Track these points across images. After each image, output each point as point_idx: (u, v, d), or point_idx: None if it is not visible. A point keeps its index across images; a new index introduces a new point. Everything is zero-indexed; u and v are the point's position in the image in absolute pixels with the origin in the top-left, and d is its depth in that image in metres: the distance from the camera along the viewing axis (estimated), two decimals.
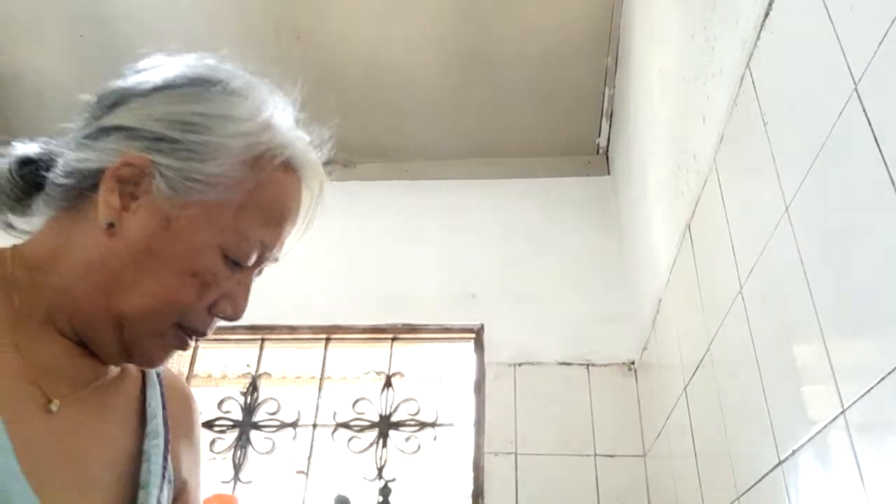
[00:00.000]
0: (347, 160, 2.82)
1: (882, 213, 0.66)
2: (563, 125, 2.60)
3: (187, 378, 2.37)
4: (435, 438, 2.19)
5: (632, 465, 2.02)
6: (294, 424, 2.24)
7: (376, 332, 2.36)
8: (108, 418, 0.58)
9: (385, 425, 2.21)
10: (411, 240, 2.54)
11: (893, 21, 0.63)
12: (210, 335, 0.60)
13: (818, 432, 0.81)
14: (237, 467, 2.15)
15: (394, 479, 2.10)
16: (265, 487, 2.35)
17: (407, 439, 2.19)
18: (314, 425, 2.23)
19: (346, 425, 2.22)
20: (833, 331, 0.77)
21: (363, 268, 2.48)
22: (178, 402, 0.68)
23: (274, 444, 2.21)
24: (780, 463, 0.94)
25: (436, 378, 2.75)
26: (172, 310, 0.55)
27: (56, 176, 0.55)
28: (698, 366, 1.37)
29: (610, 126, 2.56)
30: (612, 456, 2.04)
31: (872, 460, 0.69)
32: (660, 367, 1.80)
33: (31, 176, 0.58)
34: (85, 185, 0.55)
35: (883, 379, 0.65)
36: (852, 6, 0.72)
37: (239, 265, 0.57)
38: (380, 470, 2.12)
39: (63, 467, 0.51)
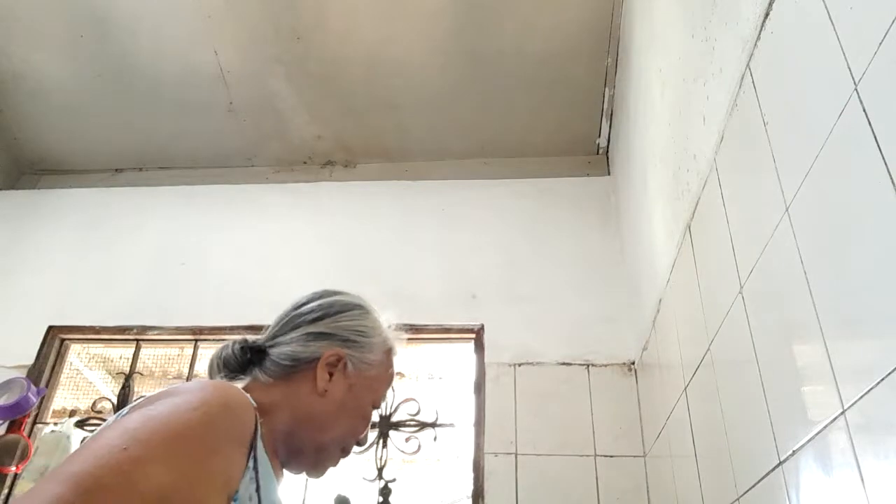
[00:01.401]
0: (347, 160, 2.82)
1: (882, 213, 0.65)
2: (563, 125, 2.60)
3: (188, 378, 2.37)
4: (435, 438, 2.19)
5: (632, 465, 2.01)
6: None
7: None
8: None
9: (385, 425, 2.21)
10: (411, 240, 2.54)
11: (893, 21, 0.63)
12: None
13: (818, 432, 0.81)
14: None
15: (394, 480, 2.10)
16: None
17: (407, 439, 2.19)
18: None
19: None
20: (833, 331, 0.77)
21: (363, 267, 2.48)
22: None
23: None
24: (780, 463, 0.94)
25: (436, 378, 2.75)
26: (348, 438, 0.91)
27: (279, 358, 0.90)
28: (698, 366, 1.37)
29: (610, 126, 2.55)
30: (612, 456, 2.04)
31: (872, 460, 0.69)
32: (660, 367, 1.80)
33: (248, 356, 0.91)
34: (301, 367, 0.89)
35: (883, 379, 0.65)
36: (852, 6, 0.72)
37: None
38: (380, 470, 2.12)
39: None
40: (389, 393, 2.23)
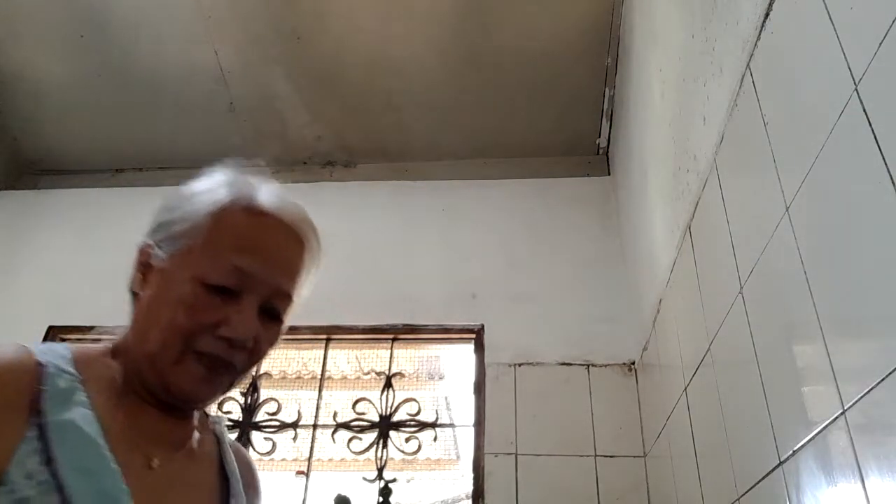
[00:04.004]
0: (347, 160, 2.82)
1: (882, 213, 0.65)
2: (563, 125, 2.60)
3: None
4: (435, 439, 2.19)
5: (632, 465, 2.01)
6: (294, 425, 2.24)
7: (376, 332, 2.36)
8: (197, 477, 0.73)
9: (385, 426, 2.21)
10: (411, 240, 2.54)
11: (893, 21, 0.63)
12: (238, 364, 0.70)
13: (818, 433, 0.81)
14: None
15: (394, 480, 2.10)
16: (265, 488, 2.35)
17: (407, 440, 2.19)
18: (314, 426, 2.23)
19: (346, 426, 2.22)
20: (833, 331, 0.77)
21: (363, 268, 2.48)
22: (247, 468, 0.83)
23: (274, 444, 2.21)
24: (780, 463, 0.94)
25: (436, 378, 2.75)
26: (174, 335, 0.67)
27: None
28: (698, 366, 1.37)
29: (610, 126, 2.55)
30: (612, 456, 2.04)
31: (873, 460, 0.69)
32: (660, 367, 1.80)
33: None
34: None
35: (883, 379, 0.65)
36: (852, 6, 0.72)
37: (226, 292, 0.69)
38: (380, 470, 2.12)
39: None
40: (389, 392, 2.25)
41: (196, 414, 0.76)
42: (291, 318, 0.76)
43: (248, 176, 0.78)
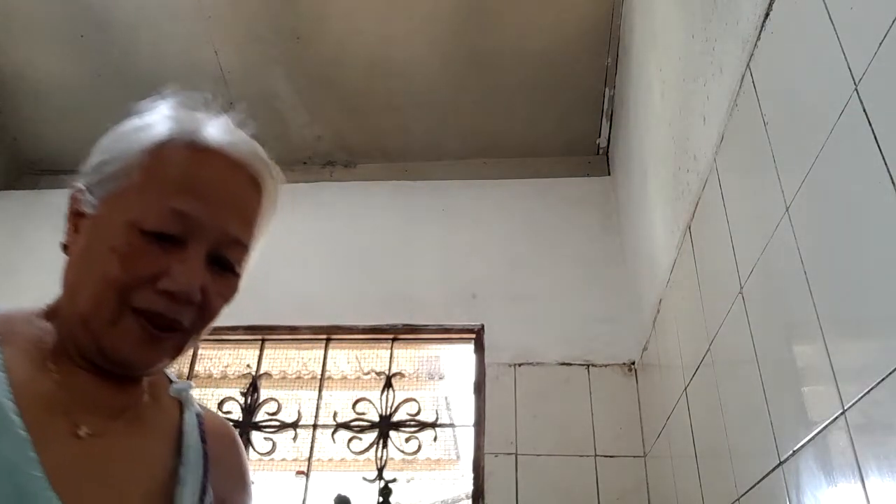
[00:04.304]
0: (347, 160, 2.82)
1: (882, 213, 0.65)
2: (563, 125, 2.60)
3: (187, 378, 2.37)
4: (435, 439, 2.19)
5: (632, 465, 2.01)
6: (294, 425, 2.24)
7: (376, 332, 2.36)
8: (143, 445, 0.63)
9: (385, 426, 2.21)
10: (411, 240, 2.54)
11: (894, 21, 0.63)
12: (183, 321, 0.61)
13: (818, 433, 0.81)
14: None
15: (394, 480, 2.10)
16: (265, 488, 2.35)
17: (407, 440, 2.19)
18: (314, 426, 2.23)
19: (346, 426, 2.22)
20: (833, 331, 0.77)
21: (363, 268, 2.48)
22: (220, 440, 0.73)
23: (274, 444, 2.21)
24: (780, 463, 0.94)
25: (436, 378, 2.75)
26: (108, 289, 0.58)
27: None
28: (698, 366, 1.37)
29: (610, 126, 2.55)
30: (612, 456, 2.04)
31: (873, 461, 0.69)
32: (660, 367, 1.80)
33: None
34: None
35: (883, 379, 0.65)
36: (852, 6, 0.72)
37: (167, 240, 0.60)
38: (380, 470, 2.12)
39: (94, 488, 0.56)
40: (389, 392, 2.25)
41: (147, 379, 0.67)
42: (246, 269, 0.68)
43: (193, 109, 0.68)
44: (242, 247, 0.65)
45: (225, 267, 0.64)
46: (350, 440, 2.20)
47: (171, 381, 0.72)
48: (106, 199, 0.62)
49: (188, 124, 0.65)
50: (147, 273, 0.59)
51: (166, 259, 0.60)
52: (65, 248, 0.64)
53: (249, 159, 0.66)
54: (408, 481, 2.71)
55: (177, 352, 0.63)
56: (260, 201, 0.67)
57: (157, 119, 0.65)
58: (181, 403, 0.71)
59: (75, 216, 0.64)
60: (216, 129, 0.66)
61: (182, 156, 0.63)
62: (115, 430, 0.61)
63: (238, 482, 0.74)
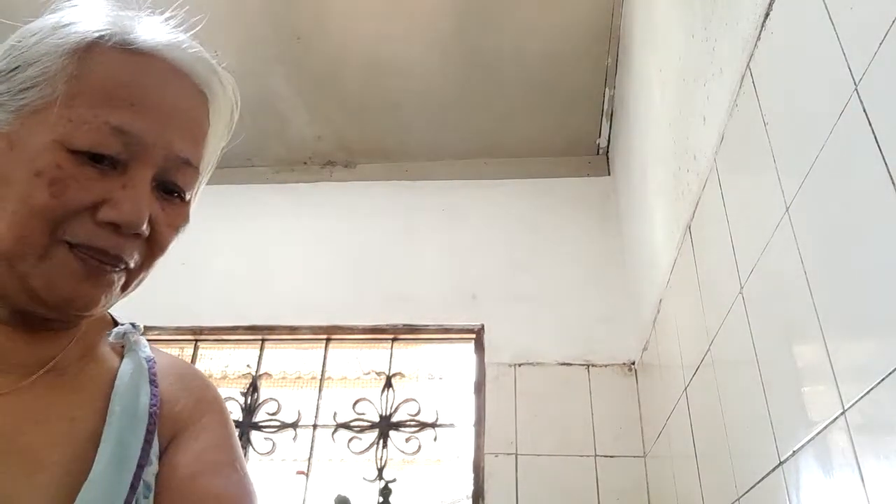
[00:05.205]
0: (347, 160, 2.82)
1: (882, 213, 0.65)
2: (563, 125, 2.60)
3: None
4: (435, 439, 2.19)
5: (632, 465, 2.01)
6: (294, 425, 2.24)
7: (376, 332, 2.36)
8: (66, 401, 0.55)
9: (385, 426, 2.21)
10: (411, 240, 2.54)
11: (894, 21, 0.63)
12: (129, 258, 0.53)
13: (818, 433, 0.81)
14: None
15: (394, 480, 2.10)
16: (265, 488, 2.35)
17: (407, 440, 2.19)
18: (314, 426, 2.23)
19: (346, 426, 2.22)
20: (833, 331, 0.77)
21: (363, 268, 2.48)
22: (177, 379, 0.63)
23: (274, 444, 2.21)
24: (780, 463, 0.94)
25: (436, 378, 2.75)
26: (34, 219, 0.49)
27: None
28: (698, 366, 1.37)
29: (610, 126, 2.55)
30: (612, 456, 2.04)
31: (873, 461, 0.69)
32: (660, 367, 1.80)
33: None
34: None
35: (883, 379, 0.65)
36: (852, 6, 0.72)
37: (105, 161, 0.51)
38: (380, 470, 2.12)
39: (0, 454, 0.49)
40: (389, 392, 2.25)
41: (80, 329, 0.58)
42: (198, 194, 0.60)
43: (122, 6, 0.57)
44: (193, 169, 0.56)
45: (173, 192, 0.56)
46: (350, 440, 2.20)
47: (115, 322, 0.63)
48: (21, 113, 0.51)
49: (118, 22, 0.54)
50: (83, 201, 0.50)
51: (105, 184, 0.51)
52: None
53: (194, 64, 0.57)
54: (408, 482, 2.71)
55: (122, 290, 0.55)
56: (208, 112, 0.58)
57: (79, 16, 0.54)
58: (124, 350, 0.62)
59: None
60: (152, 29, 0.56)
61: (116, 60, 0.52)
62: (29, 390, 0.52)
63: (198, 408, 0.63)
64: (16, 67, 0.53)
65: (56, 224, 0.50)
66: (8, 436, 0.50)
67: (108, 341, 0.62)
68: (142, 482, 0.54)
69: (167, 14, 0.59)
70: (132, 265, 0.54)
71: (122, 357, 0.61)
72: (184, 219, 0.57)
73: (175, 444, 0.59)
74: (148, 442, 0.56)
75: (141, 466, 0.54)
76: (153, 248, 0.55)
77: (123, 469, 0.52)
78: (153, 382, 0.60)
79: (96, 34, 0.53)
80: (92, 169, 0.50)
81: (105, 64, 0.52)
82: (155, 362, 0.62)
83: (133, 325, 0.64)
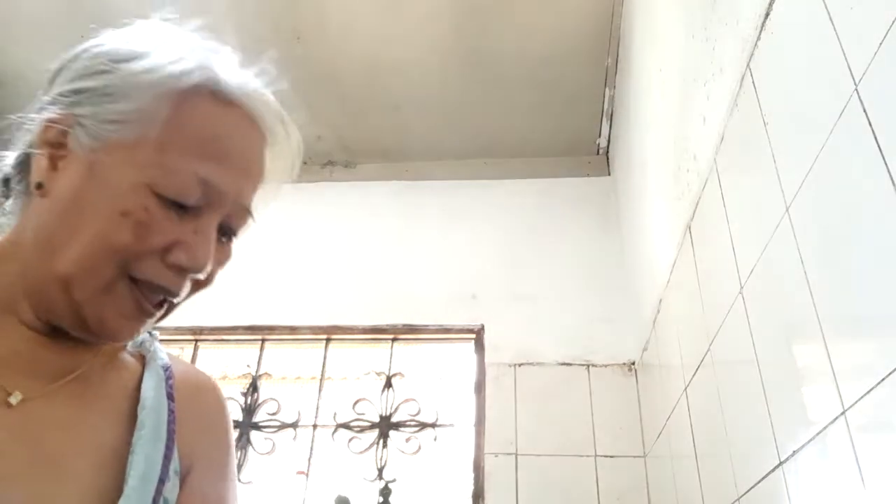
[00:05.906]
0: (347, 160, 2.82)
1: (882, 213, 0.65)
2: (564, 125, 2.60)
3: None
4: (435, 439, 2.19)
5: (632, 465, 2.01)
6: (294, 425, 2.24)
7: (376, 332, 2.36)
8: (91, 410, 0.55)
9: (385, 426, 2.21)
10: (411, 240, 2.54)
11: (893, 21, 0.63)
12: (181, 296, 0.55)
13: (819, 433, 0.81)
14: (237, 468, 2.15)
15: (394, 480, 2.10)
16: (265, 488, 2.35)
17: (407, 440, 2.19)
18: (314, 426, 2.23)
19: (346, 426, 2.22)
20: (833, 331, 0.77)
21: (363, 268, 2.48)
22: (193, 394, 0.64)
23: (274, 444, 2.21)
24: (780, 463, 0.94)
25: (436, 378, 2.75)
26: (109, 255, 0.50)
27: (7, 169, 0.56)
28: (698, 366, 1.37)
29: (610, 126, 2.55)
30: (612, 456, 2.04)
31: (873, 461, 0.69)
32: (660, 367, 1.80)
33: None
34: (22, 170, 0.55)
35: (883, 379, 0.65)
36: (852, 6, 0.72)
37: (183, 207, 0.52)
38: (380, 470, 2.12)
39: (28, 460, 0.49)
40: (389, 392, 2.25)
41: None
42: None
43: (203, 35, 0.58)
44: (249, 215, 0.59)
45: (227, 235, 0.58)
46: (350, 440, 2.20)
47: None
48: (110, 144, 0.51)
49: (205, 62, 0.55)
50: (160, 244, 0.51)
51: (180, 227, 0.52)
52: (38, 185, 0.52)
53: (265, 114, 0.60)
54: (408, 482, 2.71)
55: (156, 323, 0.57)
56: (266, 160, 0.60)
57: (169, 52, 0.55)
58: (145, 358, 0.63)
59: (54, 147, 0.52)
60: (234, 72, 0.58)
61: (207, 112, 0.54)
62: (55, 397, 0.53)
63: (212, 437, 0.64)
64: (105, 93, 0.53)
65: (129, 262, 0.51)
66: (35, 441, 0.50)
67: (127, 348, 0.63)
68: (162, 498, 0.55)
69: (169, 14, 0.61)
70: (178, 303, 0.56)
71: (142, 364, 0.62)
72: (229, 257, 0.59)
73: (186, 438, 0.61)
74: (167, 458, 0.57)
75: (161, 481, 0.55)
76: (201, 284, 0.57)
77: (148, 484, 0.54)
78: (170, 396, 0.61)
79: (190, 83, 0.54)
80: (174, 213, 0.52)
81: (198, 114, 0.54)
82: (172, 373, 0.63)
83: (150, 332, 0.65)
